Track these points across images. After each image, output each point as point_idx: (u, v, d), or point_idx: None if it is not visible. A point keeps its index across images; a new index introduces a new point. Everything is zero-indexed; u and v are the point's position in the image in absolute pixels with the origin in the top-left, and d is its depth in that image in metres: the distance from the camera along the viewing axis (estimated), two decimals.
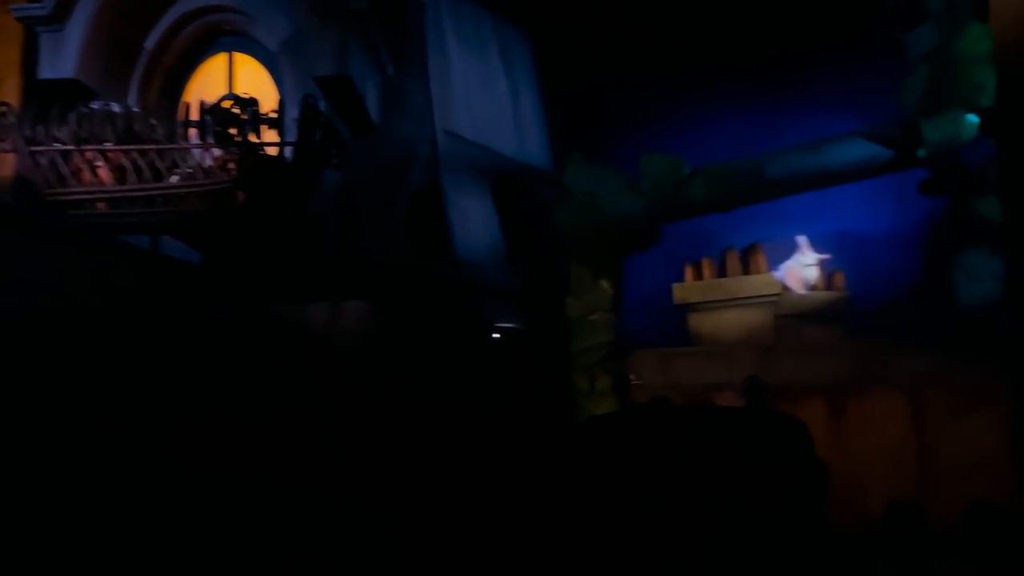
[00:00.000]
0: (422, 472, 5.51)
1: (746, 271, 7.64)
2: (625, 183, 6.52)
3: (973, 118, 5.82)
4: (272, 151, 5.75)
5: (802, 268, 7.63)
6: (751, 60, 7.80)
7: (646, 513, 3.68)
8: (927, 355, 6.23)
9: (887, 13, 6.12)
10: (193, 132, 6.04)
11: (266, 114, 5.78)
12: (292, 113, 5.96)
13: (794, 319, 7.50)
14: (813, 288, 7.48)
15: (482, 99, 6.78)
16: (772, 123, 7.61)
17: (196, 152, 5.77)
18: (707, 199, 6.31)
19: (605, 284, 6.46)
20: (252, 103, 5.71)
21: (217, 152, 5.71)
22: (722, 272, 7.81)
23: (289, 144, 5.73)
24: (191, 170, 5.67)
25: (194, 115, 6.02)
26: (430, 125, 6.11)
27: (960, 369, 6.08)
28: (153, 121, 5.86)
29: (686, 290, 7.74)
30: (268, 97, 6.34)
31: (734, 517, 3.59)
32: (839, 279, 7.69)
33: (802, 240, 7.70)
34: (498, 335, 6.26)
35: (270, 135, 5.95)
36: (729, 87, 7.99)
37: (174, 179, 5.63)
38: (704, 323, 7.69)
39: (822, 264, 7.53)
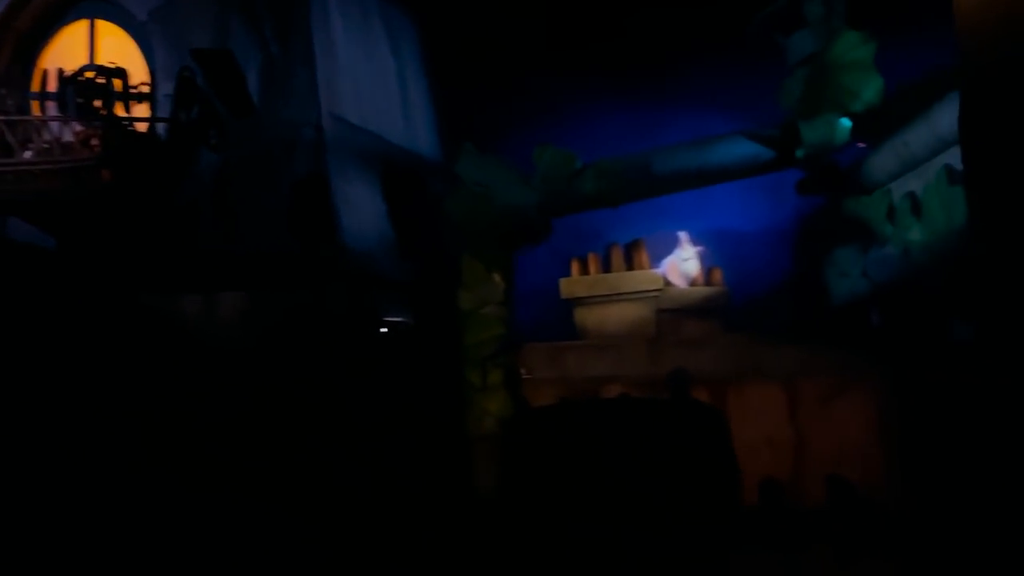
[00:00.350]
0: (297, 472, 5.11)
1: (630, 266, 7.62)
2: (517, 175, 6.29)
3: (846, 122, 5.93)
4: (142, 127, 5.14)
5: (682, 262, 7.66)
6: (640, 58, 7.77)
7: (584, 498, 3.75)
8: (801, 347, 6.34)
9: (768, 17, 6.15)
10: (51, 104, 5.34)
11: (136, 87, 5.18)
12: (164, 88, 5.37)
13: (675, 313, 7.55)
14: (693, 283, 7.52)
15: (370, 84, 6.37)
16: (660, 121, 7.61)
17: (54, 125, 5.10)
18: (597, 193, 6.17)
19: (497, 277, 6.21)
20: (119, 74, 5.09)
21: (78, 126, 5.05)
22: (607, 267, 7.76)
23: (162, 120, 5.16)
24: (47, 145, 4.99)
25: (52, 85, 5.34)
26: (315, 109, 5.66)
27: (831, 360, 6.22)
28: (2, 90, 5.13)
29: (572, 285, 7.66)
30: (135, 69, 5.70)
31: (666, 501, 3.71)
32: (717, 275, 7.79)
33: (683, 235, 7.72)
34: (387, 329, 5.88)
35: (140, 110, 5.34)
36: (619, 84, 7.95)
37: (27, 155, 4.94)
38: (589, 317, 7.62)
39: (701, 257, 7.54)
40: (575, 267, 7.83)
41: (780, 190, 7.74)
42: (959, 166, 4.69)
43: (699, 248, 7.69)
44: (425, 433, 6.08)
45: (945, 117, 4.95)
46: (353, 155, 6.11)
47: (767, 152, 6.29)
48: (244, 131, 5.40)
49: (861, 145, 6.16)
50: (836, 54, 6.05)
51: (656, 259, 7.99)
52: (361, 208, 6.09)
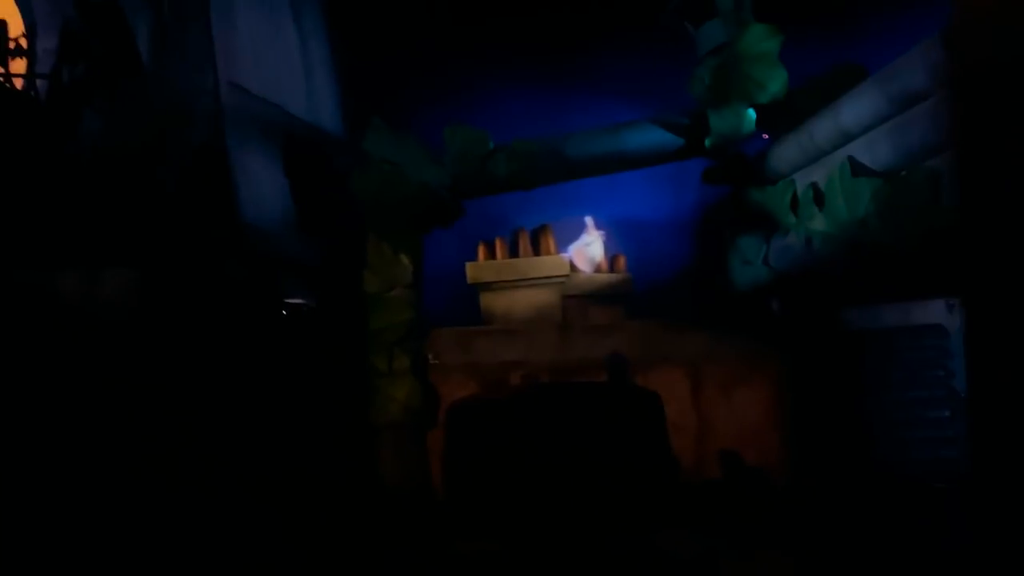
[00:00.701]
0: (187, 464, 4.77)
1: (537, 251, 7.54)
2: (428, 154, 6.06)
3: (753, 113, 6.00)
4: (18, 84, 4.62)
5: (587, 247, 7.64)
6: (553, 42, 7.67)
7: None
8: (704, 334, 6.41)
9: (679, 6, 6.16)
10: None
11: (14, 39, 4.64)
12: (45, 42, 4.84)
13: (580, 299, 7.53)
14: (598, 269, 7.51)
15: (270, 52, 5.99)
16: (570, 106, 7.58)
17: None
18: (510, 176, 6.03)
19: (405, 259, 5.98)
20: None
21: None
22: (514, 252, 7.62)
23: (42, 77, 4.65)
24: None
25: None
26: (212, 75, 5.25)
27: (733, 347, 6.33)
28: None
29: (479, 269, 7.53)
30: (12, 21, 5.13)
31: (617, 481, 4.02)
32: (621, 262, 7.82)
33: (588, 220, 7.69)
34: (288, 311, 5.55)
35: (17, 66, 4.80)
36: (530, 66, 7.85)
37: None
38: (496, 303, 7.51)
39: (605, 242, 7.55)
40: (482, 251, 7.69)
41: (682, 179, 7.94)
42: (862, 158, 4.80)
43: (602, 233, 7.59)
44: (327, 420, 5.78)
45: (850, 111, 5.06)
46: (253, 126, 5.72)
47: (677, 140, 6.32)
48: (132, 95, 4.94)
49: (765, 136, 6.24)
50: (745, 45, 6.12)
51: (563, 244, 7.91)
52: (261, 183, 5.72)
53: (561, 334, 6.65)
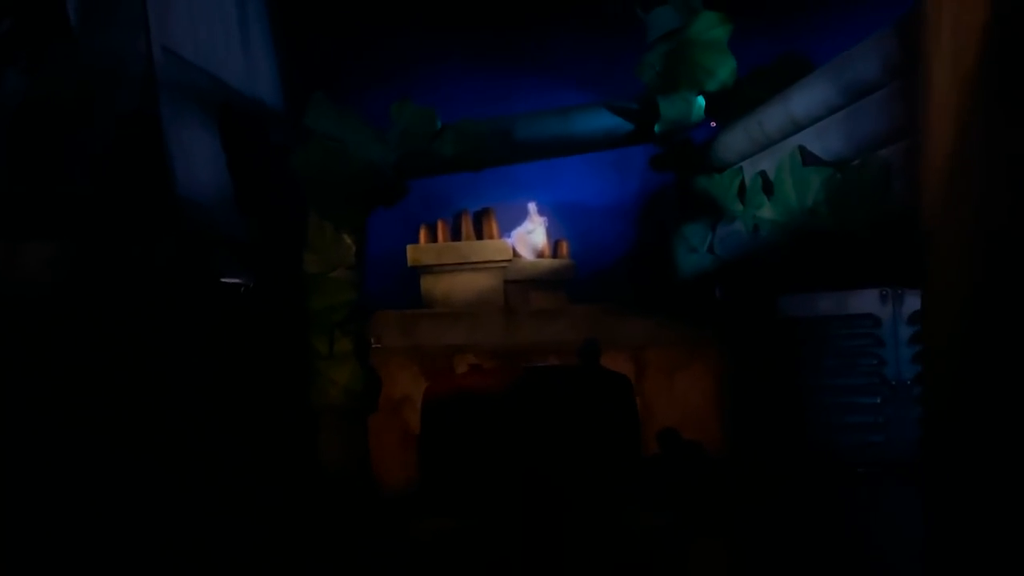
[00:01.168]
0: (120, 448, 4.49)
1: (479, 235, 7.40)
2: (373, 131, 5.83)
3: (702, 100, 5.99)
4: None
5: (529, 233, 7.54)
6: (500, 22, 7.51)
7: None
8: (648, 319, 6.41)
9: None
10: None
11: None
12: None
13: (523, 284, 7.44)
14: (540, 255, 7.42)
15: (207, 19, 5.66)
16: (516, 88, 7.49)
17: None
18: (457, 156, 5.86)
19: (348, 239, 5.76)
20: None
21: None
22: (456, 235, 7.47)
23: None
24: None
25: None
26: (144, 38, 4.91)
27: (676, 332, 6.35)
28: None
29: (420, 252, 7.36)
30: None
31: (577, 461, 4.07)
32: (564, 247, 7.76)
33: (531, 206, 7.60)
34: (224, 290, 5.26)
35: None
36: (476, 46, 7.69)
37: None
38: (437, 286, 7.35)
39: (547, 228, 7.46)
40: (423, 233, 7.50)
41: (626, 166, 8.00)
42: (811, 148, 4.81)
43: (545, 219, 7.53)
44: (265, 404, 5.53)
45: (800, 100, 5.07)
46: (188, 95, 5.39)
47: (626, 125, 6.27)
48: (58, 56, 4.57)
49: (712, 124, 6.24)
50: (695, 32, 6.09)
51: (506, 228, 7.79)
52: (197, 155, 5.40)
53: (506, 318, 6.54)
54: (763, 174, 5.59)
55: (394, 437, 6.26)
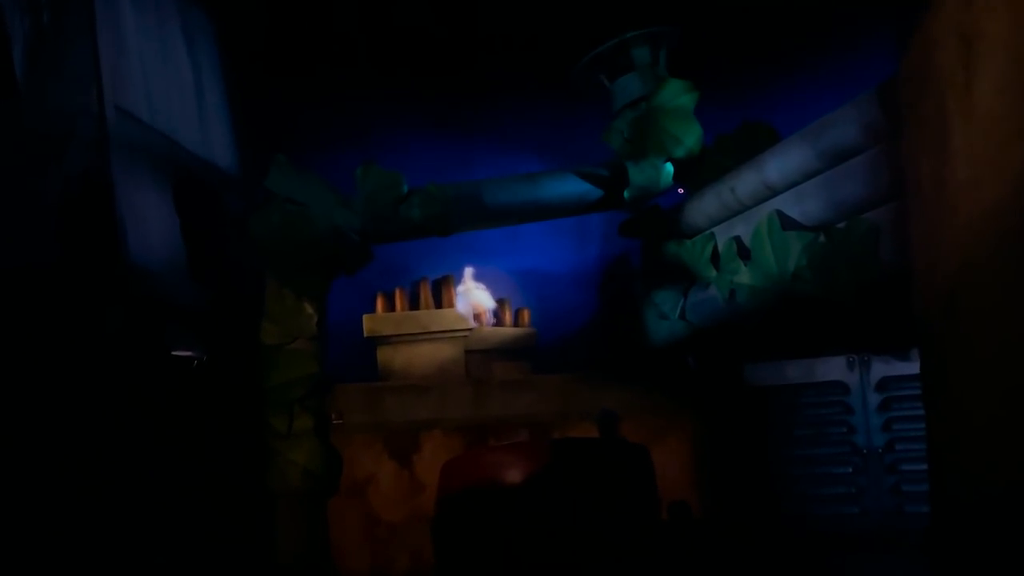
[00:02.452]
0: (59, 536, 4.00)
1: (439, 304, 7.14)
2: (337, 196, 5.57)
3: (670, 167, 5.97)
4: None
5: (478, 294, 7.29)
6: (463, 92, 7.46)
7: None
8: (622, 390, 6.24)
9: (594, 60, 6.09)
10: None
11: None
12: None
13: (484, 354, 7.20)
14: (478, 316, 7.18)
15: (161, 79, 5.37)
16: (480, 158, 7.46)
17: None
18: (424, 220, 5.65)
19: (309, 307, 5.41)
20: None
21: None
22: (414, 304, 7.19)
23: None
24: None
25: None
26: (96, 96, 4.60)
27: (650, 403, 6.19)
28: None
29: (377, 322, 7.04)
30: None
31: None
32: (525, 316, 7.58)
33: (467, 270, 7.55)
34: (176, 364, 4.85)
35: None
36: (440, 116, 7.59)
37: None
38: (396, 357, 7.04)
39: (487, 293, 7.46)
40: (380, 302, 7.20)
41: (585, 232, 7.99)
42: (789, 212, 4.76)
43: (482, 285, 7.65)
44: (218, 488, 5.05)
45: (776, 166, 5.06)
46: (142, 156, 5.06)
47: (595, 191, 6.19)
48: (4, 113, 4.21)
49: (680, 191, 6.21)
50: (662, 99, 6.11)
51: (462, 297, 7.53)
52: (149, 220, 5.04)
53: (475, 390, 6.22)
54: (738, 239, 5.52)
55: (356, 522, 5.84)
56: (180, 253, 5.39)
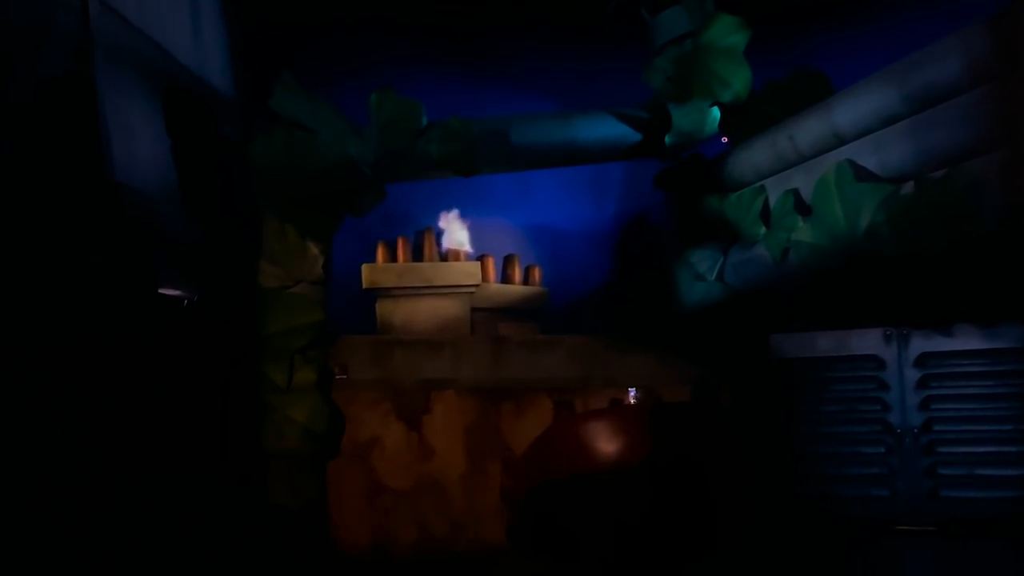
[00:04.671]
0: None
1: (444, 256, 6.49)
2: (349, 124, 4.87)
3: (716, 112, 5.36)
4: None
5: (459, 233, 6.88)
6: (483, 24, 6.80)
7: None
8: (650, 355, 5.71)
9: None
10: None
11: None
12: None
13: (491, 313, 6.62)
14: (456, 255, 6.59)
15: None
16: (499, 99, 6.73)
17: None
18: (445, 157, 5.01)
19: (314, 248, 4.75)
20: None
21: None
22: (418, 255, 6.52)
23: None
24: None
25: None
26: None
27: (681, 370, 5.64)
28: None
29: (377, 273, 6.39)
30: None
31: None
32: (536, 274, 6.97)
33: (451, 212, 7.00)
34: (164, 303, 4.16)
35: None
36: (457, 50, 7.02)
37: None
38: (396, 312, 6.41)
39: (468, 233, 6.89)
40: (381, 252, 6.54)
41: (603, 186, 7.49)
42: (862, 163, 4.20)
43: (466, 223, 6.96)
44: (209, 445, 4.41)
45: (848, 110, 4.49)
46: (129, 62, 4.34)
47: (633, 134, 5.56)
48: None
49: (724, 139, 5.62)
50: (711, 37, 5.50)
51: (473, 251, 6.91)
52: (137, 135, 4.36)
53: (493, 349, 5.61)
54: (795, 192, 4.94)
55: (358, 488, 5.25)
56: (171, 178, 4.69)
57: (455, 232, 6.90)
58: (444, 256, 6.61)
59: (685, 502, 3.85)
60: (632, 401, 4.94)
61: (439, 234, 6.81)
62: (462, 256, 6.72)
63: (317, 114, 4.95)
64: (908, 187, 4.35)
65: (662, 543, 3.78)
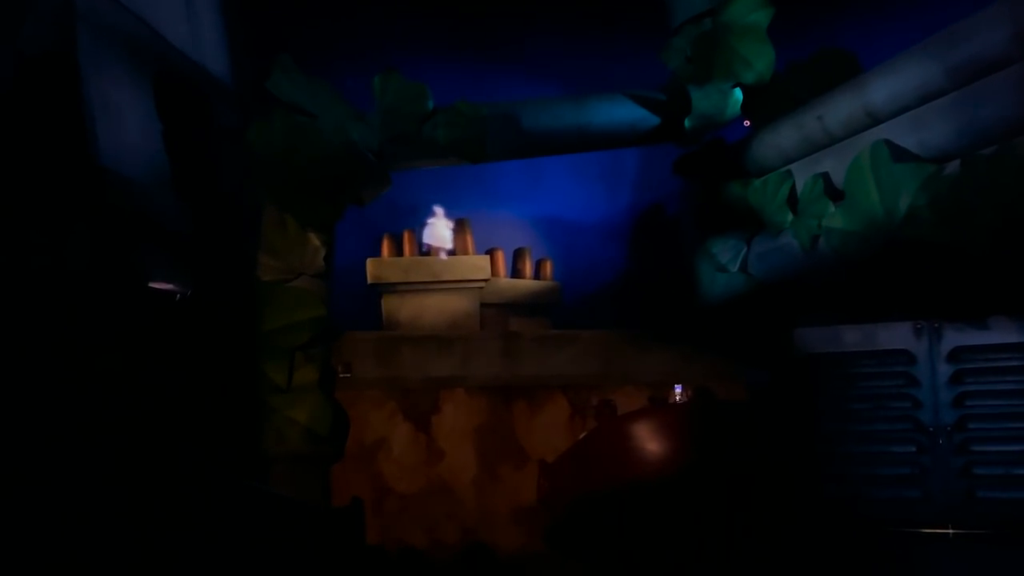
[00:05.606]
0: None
1: (424, 252, 6.27)
2: (351, 108, 4.58)
3: (739, 93, 5.05)
4: None
5: (441, 230, 6.55)
6: (489, 7, 6.47)
7: None
8: (671, 351, 5.46)
9: None
10: None
11: None
12: None
13: (501, 308, 6.38)
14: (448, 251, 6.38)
15: None
16: (507, 83, 6.51)
17: None
18: (452, 143, 4.76)
19: (316, 239, 4.48)
20: None
21: None
22: (425, 249, 6.29)
23: None
24: None
25: None
26: None
27: (702, 366, 5.39)
28: None
29: (382, 267, 6.12)
30: None
31: None
32: (547, 267, 6.72)
33: (438, 208, 6.67)
34: (155, 297, 3.89)
35: None
36: (463, 34, 6.89)
37: None
38: (402, 308, 6.17)
39: (459, 227, 6.60)
40: (386, 245, 6.27)
41: (617, 177, 7.27)
42: (900, 143, 3.89)
43: (451, 223, 6.67)
44: (204, 449, 4.15)
45: (883, 87, 4.20)
46: (118, 41, 4.10)
47: (651, 117, 5.28)
48: None
49: (746, 123, 5.32)
50: (732, 15, 5.24)
51: (481, 244, 6.72)
52: (126, 119, 4.08)
53: (504, 345, 5.36)
54: (825, 176, 4.65)
55: (364, 492, 5.03)
56: (162, 164, 4.42)
57: (438, 228, 6.64)
58: (425, 253, 6.35)
59: (733, 509, 3.68)
60: (678, 399, 4.64)
61: (419, 228, 6.51)
62: (442, 253, 6.46)
63: (317, 97, 4.68)
64: (952, 167, 4.05)
65: (707, 547, 3.64)
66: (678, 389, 4.71)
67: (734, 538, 3.81)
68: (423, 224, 6.57)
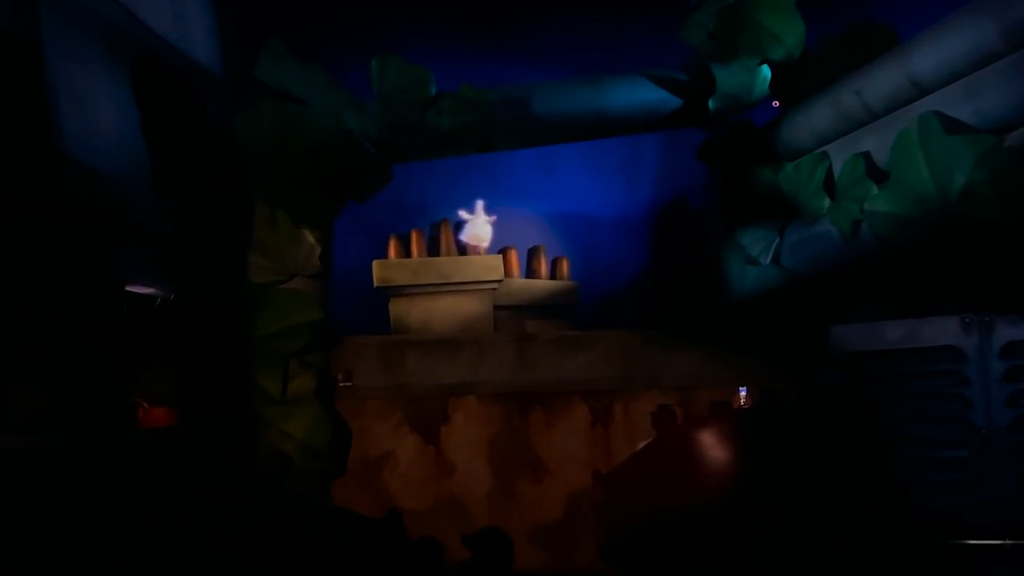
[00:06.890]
0: None
1: (462, 250, 5.89)
2: (346, 94, 4.22)
3: (767, 70, 4.66)
4: None
5: (481, 227, 6.19)
6: None
7: None
8: (697, 351, 5.19)
9: None
10: None
11: None
12: None
13: (515, 311, 6.08)
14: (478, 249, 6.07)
15: None
16: (515, 71, 6.07)
17: None
18: (457, 130, 4.42)
19: (311, 236, 4.14)
20: None
21: None
22: (434, 249, 5.93)
23: None
24: None
25: None
26: None
27: (734, 368, 5.02)
28: None
29: (390, 269, 5.84)
30: None
31: None
32: (564, 266, 6.38)
33: (479, 203, 6.28)
34: (130, 303, 3.53)
35: None
36: (468, 20, 6.50)
37: None
38: (411, 311, 5.88)
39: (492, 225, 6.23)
40: (393, 246, 5.97)
41: (636, 170, 6.96)
42: (951, 112, 3.47)
43: (493, 218, 6.29)
44: (190, 466, 3.79)
45: (930, 54, 3.85)
46: (88, 25, 3.80)
47: (672, 99, 4.93)
48: None
49: (775, 104, 4.92)
50: None
51: (493, 242, 6.44)
52: (98, 108, 3.78)
53: (518, 348, 5.01)
54: (866, 156, 4.25)
55: (368, 509, 4.69)
56: (140, 157, 4.09)
57: (478, 225, 6.32)
58: (463, 250, 6.01)
59: (797, 524, 3.52)
60: (743, 403, 4.28)
61: (458, 225, 6.21)
62: (481, 251, 6.14)
63: (310, 83, 4.35)
64: (1014, 137, 3.62)
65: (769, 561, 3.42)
66: (743, 392, 4.34)
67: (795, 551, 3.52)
68: (437, 222, 6.24)
